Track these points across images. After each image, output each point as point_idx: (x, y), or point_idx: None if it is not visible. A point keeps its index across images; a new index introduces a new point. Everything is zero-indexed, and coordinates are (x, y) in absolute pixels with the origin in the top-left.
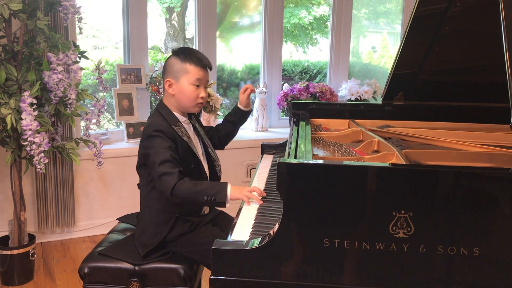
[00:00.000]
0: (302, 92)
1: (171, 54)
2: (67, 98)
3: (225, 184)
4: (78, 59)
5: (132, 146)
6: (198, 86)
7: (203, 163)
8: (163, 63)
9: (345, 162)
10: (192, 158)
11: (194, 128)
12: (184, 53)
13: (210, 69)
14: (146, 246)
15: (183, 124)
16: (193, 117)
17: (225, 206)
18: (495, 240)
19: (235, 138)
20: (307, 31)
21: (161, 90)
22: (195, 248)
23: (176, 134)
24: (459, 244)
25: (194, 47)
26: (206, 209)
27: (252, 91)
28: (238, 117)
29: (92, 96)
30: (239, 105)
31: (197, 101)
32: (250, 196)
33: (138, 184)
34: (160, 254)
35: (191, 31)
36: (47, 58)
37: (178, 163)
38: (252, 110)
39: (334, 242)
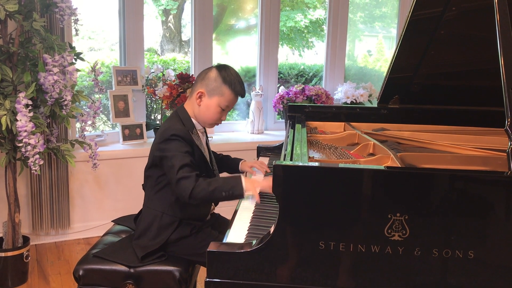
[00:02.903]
0: (298, 95)
1: (214, 67)
2: (63, 99)
3: (239, 177)
4: (74, 61)
5: (128, 148)
6: (223, 110)
7: (213, 172)
8: (159, 65)
9: (341, 165)
10: (204, 166)
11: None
12: (228, 76)
13: (242, 97)
14: (146, 247)
15: (198, 132)
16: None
17: (243, 197)
18: (489, 243)
19: (232, 140)
20: (303, 34)
21: (157, 92)
22: (194, 251)
23: (192, 140)
24: (454, 247)
25: (190, 50)
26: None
27: (262, 170)
28: (227, 167)
29: (87, 97)
30: (240, 165)
31: (216, 122)
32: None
33: (143, 185)
34: (156, 257)
35: (187, 33)
36: (43, 60)
37: (195, 168)
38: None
39: (329, 244)
